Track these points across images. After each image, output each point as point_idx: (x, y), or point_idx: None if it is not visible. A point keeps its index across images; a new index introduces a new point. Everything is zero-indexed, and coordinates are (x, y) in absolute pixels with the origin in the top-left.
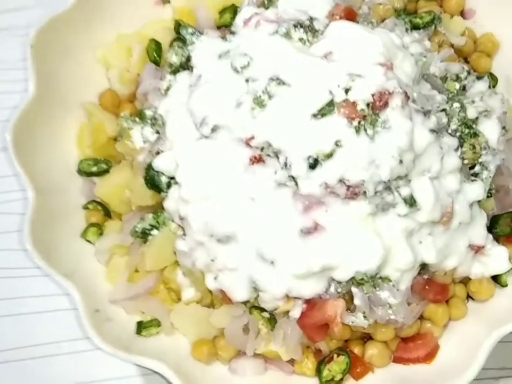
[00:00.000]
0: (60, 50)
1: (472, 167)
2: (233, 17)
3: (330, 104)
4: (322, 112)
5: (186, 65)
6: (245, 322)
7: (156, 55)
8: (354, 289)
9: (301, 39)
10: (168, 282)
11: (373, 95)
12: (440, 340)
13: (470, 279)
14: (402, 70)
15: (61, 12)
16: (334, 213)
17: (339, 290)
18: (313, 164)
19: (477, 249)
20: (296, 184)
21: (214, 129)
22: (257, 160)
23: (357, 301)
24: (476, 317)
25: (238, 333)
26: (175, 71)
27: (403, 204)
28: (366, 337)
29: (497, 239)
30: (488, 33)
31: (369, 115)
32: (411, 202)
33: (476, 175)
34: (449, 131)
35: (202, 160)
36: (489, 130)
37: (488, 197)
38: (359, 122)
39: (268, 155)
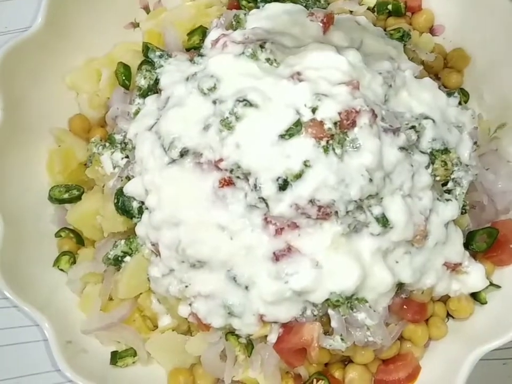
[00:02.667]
0: (28, 75)
1: (445, 184)
2: (202, 39)
3: (298, 124)
4: (289, 133)
5: (154, 88)
6: (221, 349)
7: (124, 79)
8: (330, 312)
9: (267, 60)
10: (143, 310)
11: (339, 114)
12: (421, 361)
13: (449, 297)
14: (370, 89)
15: (27, 35)
16: (307, 234)
17: (315, 313)
18: (283, 185)
19: (454, 267)
20: (267, 205)
21: (183, 152)
22: (227, 182)
23: (333, 323)
24: (456, 336)
25: (215, 360)
26: (143, 95)
27: (376, 223)
28: (346, 361)
29: (474, 255)
30: (458, 48)
31: (337, 134)
32: (384, 221)
33: (449, 191)
34: (420, 148)
35: (171, 185)
36: (461, 146)
37: (462, 213)
38: (327, 142)
39: (238, 177)
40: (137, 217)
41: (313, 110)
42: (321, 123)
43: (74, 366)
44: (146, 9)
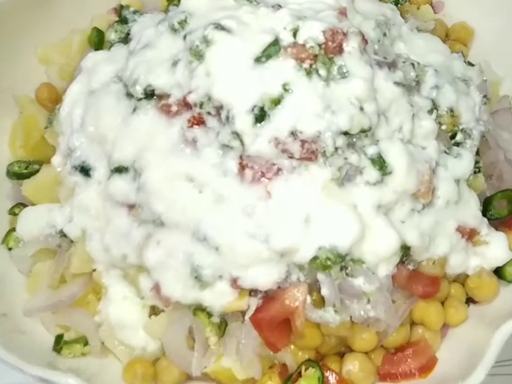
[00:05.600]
0: None
1: (453, 137)
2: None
3: (275, 43)
4: (266, 54)
5: (125, 40)
6: (186, 328)
7: (96, 40)
8: (320, 276)
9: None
10: (99, 290)
11: (324, 32)
12: (438, 352)
13: (467, 276)
14: (360, 28)
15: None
16: (290, 180)
17: (302, 278)
18: (260, 116)
19: (470, 234)
20: (242, 143)
21: (148, 91)
22: (197, 121)
23: (324, 291)
24: (478, 321)
25: (181, 345)
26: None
27: (371, 167)
28: (344, 352)
29: (493, 225)
30: (460, 22)
31: (321, 55)
32: (380, 163)
33: (457, 144)
34: (421, 93)
35: (135, 135)
36: (469, 98)
37: (475, 172)
38: (310, 65)
39: (209, 113)
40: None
41: (294, 33)
42: (303, 46)
43: (5, 343)
44: None
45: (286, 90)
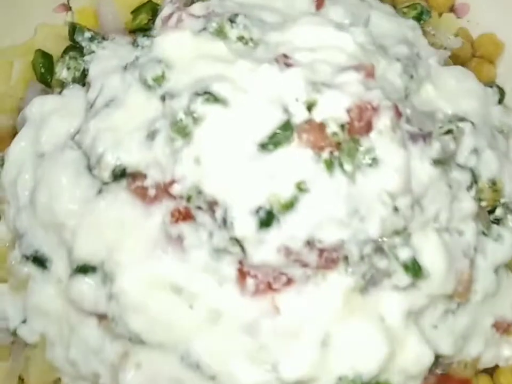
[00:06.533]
0: None
1: (491, 211)
2: (152, 18)
3: (287, 127)
4: (274, 141)
5: (82, 81)
6: None
7: (43, 71)
8: None
9: (240, 38)
10: None
11: (348, 112)
12: None
13: (497, 366)
14: (386, 80)
15: None
16: (303, 292)
17: None
18: (266, 219)
19: (507, 327)
20: (243, 250)
21: (117, 172)
22: (183, 216)
23: None
24: None
25: None
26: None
27: (403, 272)
28: None
29: None
30: (488, 34)
31: (345, 142)
32: (415, 269)
33: (497, 221)
34: (457, 161)
35: (100, 225)
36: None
37: None
38: (331, 153)
39: (199, 208)
40: None
41: (309, 107)
42: (322, 126)
43: None
44: None
45: (301, 190)
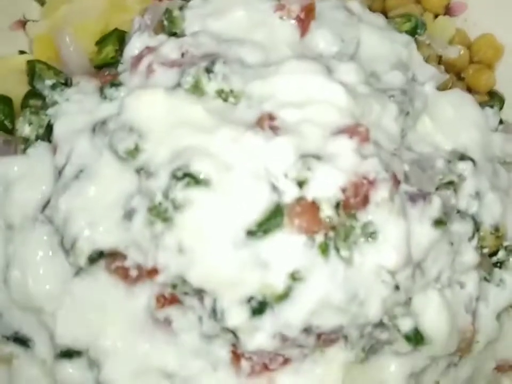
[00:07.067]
0: None
1: (493, 253)
2: (120, 48)
3: (276, 213)
4: (264, 228)
5: (47, 137)
6: None
7: (2, 118)
8: None
9: (219, 92)
10: None
11: (343, 191)
12: None
13: None
14: (381, 128)
15: None
16: (301, 370)
17: None
18: (259, 308)
19: (508, 368)
20: (236, 336)
21: (94, 256)
22: (169, 300)
23: None
24: None
25: None
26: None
27: (404, 341)
28: None
29: None
30: (486, 35)
31: (341, 225)
32: (416, 338)
33: (500, 264)
34: (458, 207)
35: (83, 304)
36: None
37: None
38: (325, 236)
39: (186, 293)
40: None
41: (300, 184)
42: (314, 206)
43: None
44: (39, 1)
45: (295, 279)
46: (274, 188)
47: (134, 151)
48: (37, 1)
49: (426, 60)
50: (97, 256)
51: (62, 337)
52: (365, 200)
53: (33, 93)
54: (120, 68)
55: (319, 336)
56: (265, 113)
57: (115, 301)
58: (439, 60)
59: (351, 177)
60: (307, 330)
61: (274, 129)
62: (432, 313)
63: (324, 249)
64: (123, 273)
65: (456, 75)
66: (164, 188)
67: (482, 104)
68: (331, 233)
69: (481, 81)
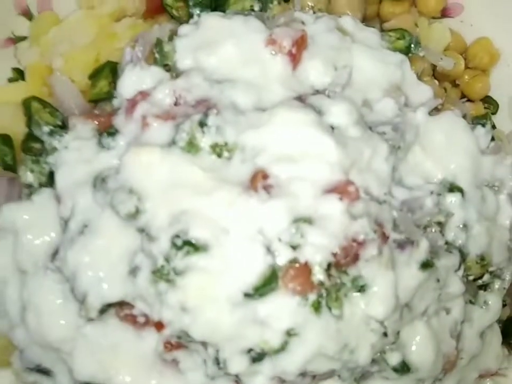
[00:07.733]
0: None
1: (480, 277)
2: (113, 80)
3: (271, 277)
4: (260, 292)
5: (50, 183)
6: None
7: (6, 159)
8: None
9: (214, 147)
10: None
11: (334, 255)
12: None
13: None
14: (371, 172)
15: None
16: None
17: None
18: (258, 357)
19: (491, 376)
20: (238, 378)
21: (104, 308)
22: (176, 346)
23: None
24: None
25: None
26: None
27: (392, 372)
28: None
29: None
30: (482, 40)
31: (332, 286)
32: (403, 369)
33: (485, 287)
34: (446, 239)
35: (93, 352)
36: (499, 216)
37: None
38: (318, 295)
39: (190, 341)
40: None
41: (294, 247)
42: (307, 268)
43: None
44: (27, 15)
45: (290, 335)
46: (269, 250)
47: (135, 214)
48: (25, 17)
49: (421, 74)
50: (106, 307)
51: (80, 374)
52: (355, 258)
53: (32, 137)
54: (115, 102)
55: (314, 377)
56: (258, 170)
57: (126, 343)
58: (434, 68)
59: (342, 242)
60: (303, 374)
61: (268, 189)
62: (418, 345)
63: (317, 307)
64: (132, 320)
65: (451, 82)
66: (165, 253)
67: (475, 121)
68: (323, 291)
69: (476, 88)
